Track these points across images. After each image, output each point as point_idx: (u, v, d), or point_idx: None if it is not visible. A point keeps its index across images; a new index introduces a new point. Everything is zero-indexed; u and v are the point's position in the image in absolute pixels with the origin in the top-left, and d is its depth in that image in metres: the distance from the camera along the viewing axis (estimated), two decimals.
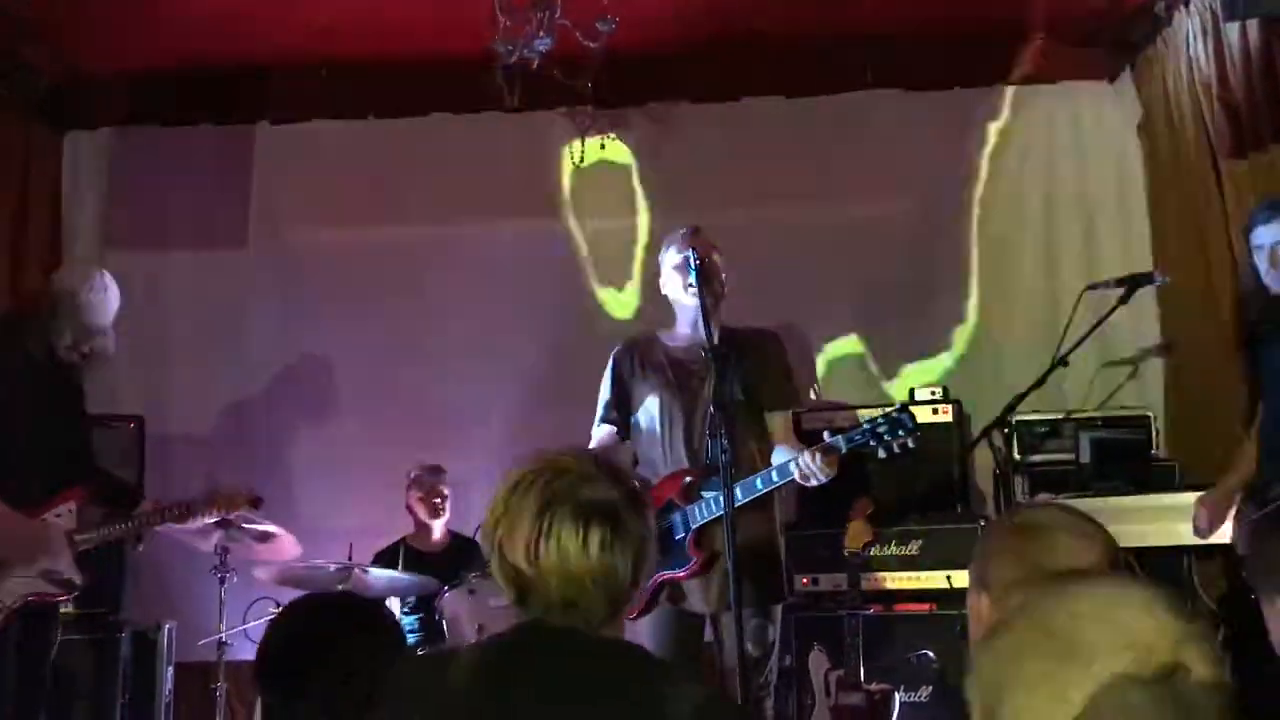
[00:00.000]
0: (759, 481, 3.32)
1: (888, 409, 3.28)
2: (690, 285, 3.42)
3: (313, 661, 2.02)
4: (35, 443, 3.56)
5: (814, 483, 3.28)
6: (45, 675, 3.63)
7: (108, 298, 3.74)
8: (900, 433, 3.19)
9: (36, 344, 3.64)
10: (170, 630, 4.96)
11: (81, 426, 3.89)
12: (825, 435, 3.29)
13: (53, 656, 3.67)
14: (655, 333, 3.71)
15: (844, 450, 3.24)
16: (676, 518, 3.40)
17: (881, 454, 3.23)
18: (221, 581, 4.54)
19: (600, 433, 3.68)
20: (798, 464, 3.24)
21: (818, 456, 3.21)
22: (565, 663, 1.63)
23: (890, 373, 5.41)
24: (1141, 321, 5.15)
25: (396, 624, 2.27)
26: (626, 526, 1.66)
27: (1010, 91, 5.58)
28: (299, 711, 2.02)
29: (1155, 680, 0.96)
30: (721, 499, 3.25)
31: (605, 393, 3.69)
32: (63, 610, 4.57)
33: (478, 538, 4.60)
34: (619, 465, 1.85)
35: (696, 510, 3.37)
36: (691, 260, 3.43)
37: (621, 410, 3.65)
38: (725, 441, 3.07)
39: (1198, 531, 3.86)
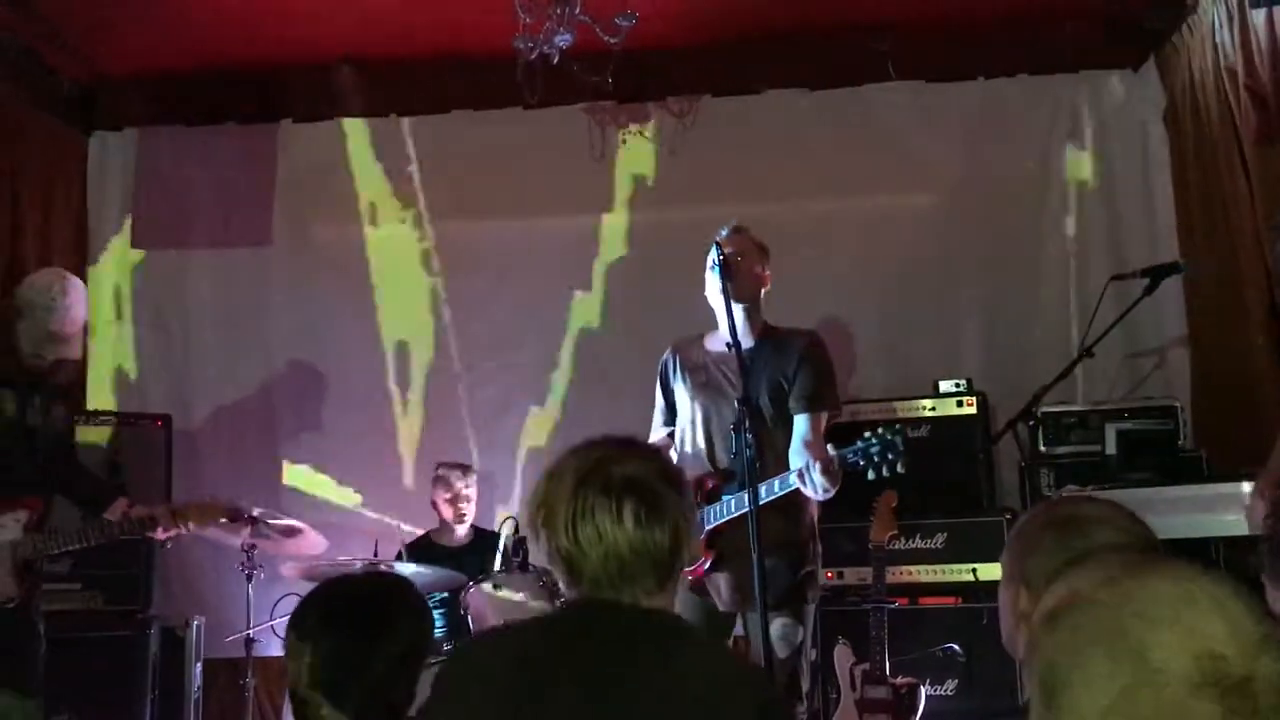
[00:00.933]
0: (762, 489, 3.30)
1: (882, 431, 3.23)
2: (716, 286, 3.43)
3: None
4: None
5: (812, 492, 3.26)
6: (33, 678, 3.53)
7: (68, 303, 3.70)
8: (890, 456, 3.18)
9: (5, 355, 3.65)
10: (198, 626, 5.00)
11: (59, 438, 3.84)
12: (830, 449, 3.28)
13: (40, 655, 3.55)
14: (701, 334, 3.71)
15: (836, 466, 3.23)
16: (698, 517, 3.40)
17: (870, 475, 3.22)
18: (249, 578, 4.58)
19: (655, 440, 3.72)
20: (799, 475, 3.25)
21: (817, 465, 3.21)
22: (604, 635, 1.68)
23: (913, 365, 5.38)
24: (1167, 312, 5.10)
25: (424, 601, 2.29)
26: (660, 499, 1.72)
27: (1032, 81, 5.54)
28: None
29: (1225, 693, 0.91)
30: (736, 501, 3.28)
31: (657, 399, 3.76)
32: (91, 607, 4.66)
33: (502, 532, 4.61)
34: (652, 445, 1.88)
35: (712, 511, 3.38)
36: (715, 259, 3.43)
37: (670, 414, 3.71)
38: (750, 436, 3.06)
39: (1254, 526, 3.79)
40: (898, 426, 3.22)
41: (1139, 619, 0.95)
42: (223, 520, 3.81)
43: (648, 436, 3.72)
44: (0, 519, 3.49)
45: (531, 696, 1.63)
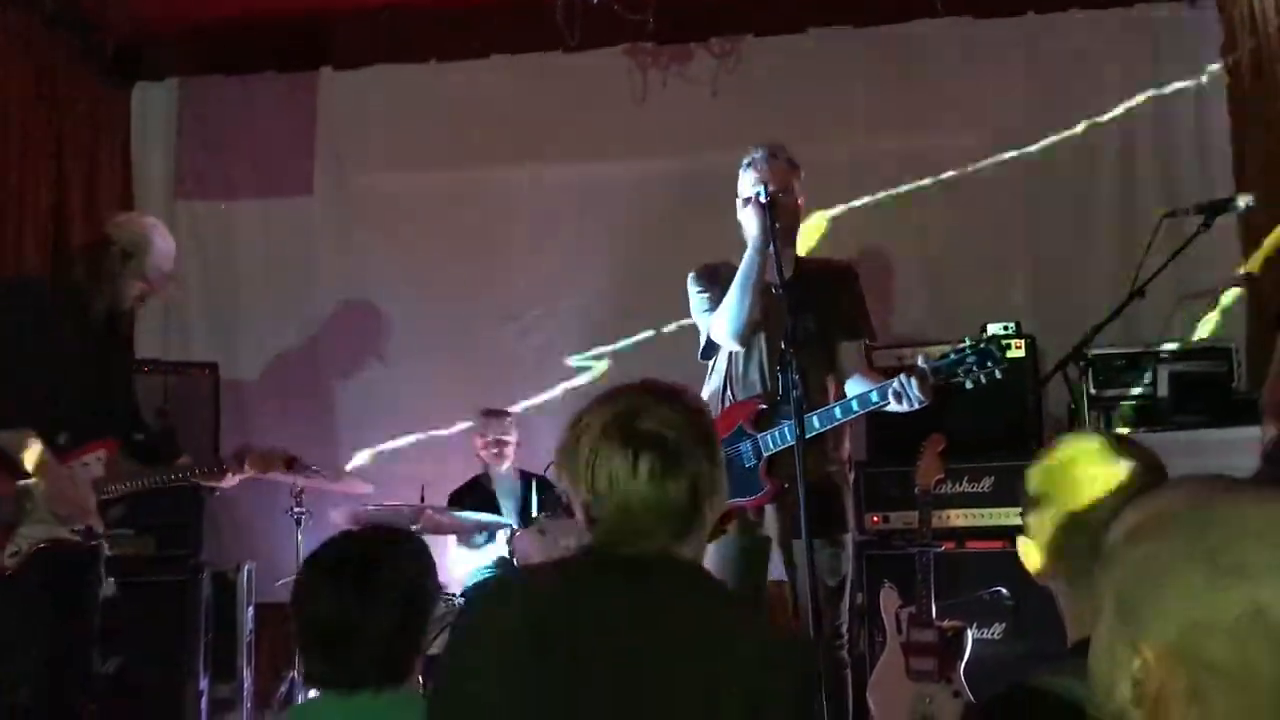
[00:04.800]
0: (838, 410, 3.28)
1: (976, 340, 3.20)
2: (761, 222, 3.37)
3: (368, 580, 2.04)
4: (78, 395, 3.58)
5: (905, 406, 3.20)
6: (91, 617, 3.58)
7: (171, 243, 3.79)
8: (989, 364, 3.13)
9: (100, 301, 3.64)
10: (250, 571, 5.07)
11: (128, 381, 3.92)
12: (920, 360, 3.24)
13: (99, 597, 3.61)
14: (730, 260, 3.66)
15: (930, 379, 3.18)
16: (746, 445, 3.37)
17: (968, 385, 3.17)
18: (298, 523, 4.64)
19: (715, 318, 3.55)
20: (894, 385, 3.19)
21: (913, 380, 3.16)
22: (613, 586, 1.67)
23: (961, 306, 5.31)
24: (1222, 250, 4.98)
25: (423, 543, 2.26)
26: (679, 455, 1.69)
27: (1083, 16, 5.40)
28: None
29: None
30: (791, 430, 3.23)
31: (703, 294, 3.59)
32: (145, 553, 4.73)
33: (549, 475, 4.63)
34: (690, 398, 1.84)
35: (769, 438, 3.33)
36: (762, 197, 3.37)
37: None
38: (796, 376, 3.03)
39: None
40: (994, 336, 3.17)
41: (1232, 535, 0.95)
42: (281, 469, 3.87)
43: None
44: (85, 457, 3.58)
45: (546, 661, 1.61)
